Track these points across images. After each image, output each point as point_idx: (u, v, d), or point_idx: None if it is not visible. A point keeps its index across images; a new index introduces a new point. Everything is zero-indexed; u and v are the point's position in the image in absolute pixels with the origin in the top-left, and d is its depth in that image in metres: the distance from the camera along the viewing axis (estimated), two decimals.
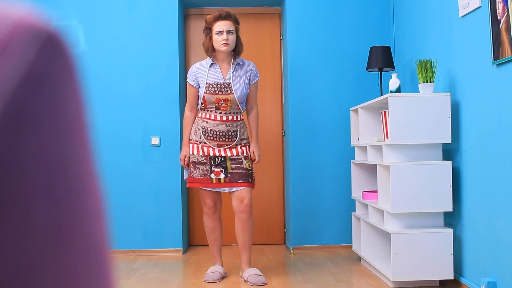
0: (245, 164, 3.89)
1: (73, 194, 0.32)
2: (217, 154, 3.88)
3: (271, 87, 5.59)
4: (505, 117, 3.10)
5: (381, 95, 4.60)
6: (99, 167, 0.36)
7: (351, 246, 5.00)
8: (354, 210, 4.92)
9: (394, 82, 4.04)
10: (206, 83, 3.86)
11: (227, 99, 3.84)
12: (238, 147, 3.91)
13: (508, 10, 3.02)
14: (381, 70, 4.69)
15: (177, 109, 5.17)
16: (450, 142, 3.72)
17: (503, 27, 3.08)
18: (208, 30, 3.91)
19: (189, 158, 3.94)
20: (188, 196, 5.57)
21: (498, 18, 3.13)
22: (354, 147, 4.95)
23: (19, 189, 0.29)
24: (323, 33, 5.24)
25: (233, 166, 3.87)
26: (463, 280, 3.63)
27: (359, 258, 4.68)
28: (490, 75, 3.27)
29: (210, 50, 3.89)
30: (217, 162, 3.88)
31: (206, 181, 3.88)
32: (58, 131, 0.31)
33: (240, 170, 3.87)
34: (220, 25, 3.82)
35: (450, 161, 3.67)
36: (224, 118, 3.88)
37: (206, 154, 3.89)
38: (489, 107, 3.29)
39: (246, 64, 3.97)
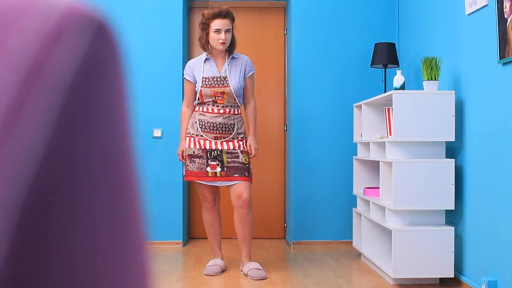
0: (242, 158, 3.86)
1: (122, 188, 0.31)
2: (213, 147, 3.87)
3: (274, 82, 5.58)
4: (510, 116, 3.09)
5: (385, 91, 4.59)
6: (138, 161, 0.35)
7: (351, 242, 5.00)
8: (355, 206, 4.92)
9: (398, 79, 4.03)
10: (203, 77, 3.87)
11: (224, 92, 3.84)
12: (235, 141, 3.89)
13: None
14: (385, 66, 4.67)
15: (179, 101, 5.16)
16: (454, 140, 3.71)
17: (510, 25, 3.06)
18: (206, 25, 3.88)
19: (185, 152, 3.94)
20: (189, 189, 5.57)
21: (505, 16, 3.12)
22: (356, 143, 4.95)
23: (86, 183, 0.29)
24: (327, 28, 5.23)
25: (230, 160, 3.85)
26: (464, 279, 3.63)
27: (359, 254, 4.68)
28: (495, 74, 3.26)
29: (206, 46, 3.91)
30: (213, 155, 3.86)
31: (202, 175, 3.87)
32: (108, 123, 0.31)
33: (237, 164, 3.85)
34: (219, 24, 3.82)
35: (453, 159, 3.66)
36: (222, 111, 3.88)
37: (203, 147, 3.87)
38: (493, 106, 3.28)
39: (241, 58, 3.98)
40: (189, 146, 3.91)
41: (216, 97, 3.86)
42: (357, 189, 4.71)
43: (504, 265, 3.13)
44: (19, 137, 0.27)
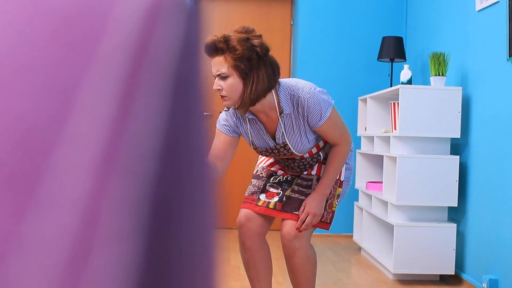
0: (314, 189, 2.47)
1: (208, 179, 0.29)
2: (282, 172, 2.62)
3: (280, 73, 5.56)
4: None
5: (391, 85, 4.56)
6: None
7: (352, 236, 4.99)
8: (357, 200, 4.91)
9: (405, 73, 4.01)
10: (253, 144, 2.48)
11: (291, 155, 2.48)
12: (315, 165, 2.55)
13: None
14: (392, 60, 4.65)
15: None
16: (459, 137, 3.70)
17: None
18: None
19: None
20: None
21: None
22: (360, 136, 4.93)
23: (191, 175, 0.27)
24: (335, 20, 5.20)
25: (297, 188, 2.51)
26: (464, 276, 3.63)
27: (359, 249, 4.67)
28: (504, 72, 3.24)
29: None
30: (279, 180, 2.57)
31: (250, 201, 2.55)
32: (200, 108, 0.28)
33: (303, 197, 2.47)
34: (211, 66, 2.28)
35: (458, 156, 3.64)
36: (297, 157, 2.53)
37: (271, 168, 2.64)
38: (500, 104, 3.26)
39: (295, 105, 2.32)
40: (258, 165, 2.70)
41: (283, 160, 2.59)
42: (360, 183, 4.69)
43: (506, 264, 3.12)
44: (137, 125, 0.24)
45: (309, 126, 2.35)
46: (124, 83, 0.24)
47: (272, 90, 2.29)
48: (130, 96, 0.24)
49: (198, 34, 0.29)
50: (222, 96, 2.26)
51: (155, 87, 0.25)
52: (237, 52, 2.17)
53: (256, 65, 2.21)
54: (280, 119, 2.33)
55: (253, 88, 2.21)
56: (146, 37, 0.25)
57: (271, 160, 2.65)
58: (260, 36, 2.26)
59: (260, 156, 2.73)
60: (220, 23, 5.54)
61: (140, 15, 0.26)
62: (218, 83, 2.23)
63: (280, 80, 2.35)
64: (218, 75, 2.22)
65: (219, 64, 2.20)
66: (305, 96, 2.28)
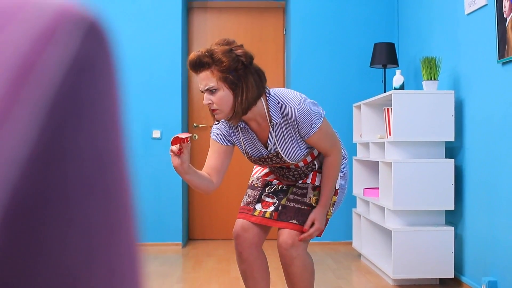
0: (310, 198, 2.50)
1: (114, 188, 0.31)
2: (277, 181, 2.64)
3: (274, 82, 5.57)
4: (509, 116, 3.08)
5: (385, 91, 4.58)
6: (130, 160, 0.35)
7: (351, 243, 4.99)
8: (355, 207, 4.91)
9: (398, 79, 4.03)
10: (247, 153, 2.50)
11: (285, 163, 2.50)
12: (310, 174, 2.57)
13: None
14: (384, 66, 4.67)
15: (178, 102, 5.15)
16: (453, 140, 3.71)
17: (509, 25, 3.06)
18: None
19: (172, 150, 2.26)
20: (189, 190, 5.57)
21: (504, 16, 3.12)
22: (356, 143, 4.94)
23: (78, 183, 0.28)
24: (327, 29, 5.23)
25: (292, 197, 2.51)
26: (464, 279, 3.63)
27: (359, 255, 4.67)
28: (495, 74, 3.26)
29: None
30: (274, 190, 2.57)
31: (246, 211, 2.54)
32: (100, 122, 0.30)
33: (299, 206, 2.48)
34: (199, 81, 2.26)
35: (453, 159, 3.66)
36: (292, 166, 2.55)
37: (266, 178, 2.66)
38: (493, 106, 3.28)
39: (285, 115, 2.34)
40: (253, 175, 2.71)
41: (276, 168, 2.62)
42: (357, 189, 4.70)
43: (504, 265, 3.12)
44: (7, 136, 0.26)
45: (300, 136, 2.38)
46: (0, 100, 0.26)
47: (262, 98, 2.32)
48: (6, 112, 0.26)
49: (100, 53, 0.31)
50: (213, 110, 2.26)
51: (34, 102, 0.27)
52: (223, 64, 2.17)
53: (243, 75, 2.22)
54: (271, 128, 2.36)
55: (244, 98, 2.22)
56: (34, 56, 0.27)
57: (266, 170, 2.67)
58: (242, 46, 2.28)
59: (255, 166, 2.76)
60: (213, 33, 5.56)
61: (33, 35, 0.27)
62: (208, 98, 2.23)
63: (271, 89, 2.38)
64: (207, 89, 2.21)
65: (206, 79, 2.20)
66: (295, 107, 2.30)
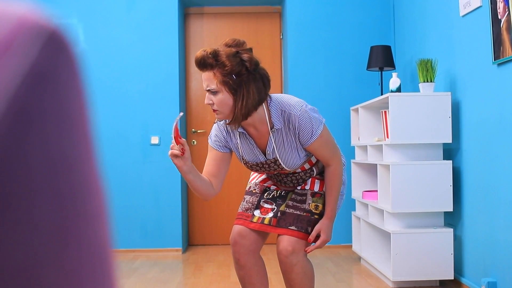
0: (309, 204, 2.47)
1: (77, 193, 0.31)
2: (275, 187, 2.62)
3: (271, 87, 5.58)
4: (506, 116, 3.09)
5: (382, 94, 4.59)
6: (101, 166, 0.35)
7: (351, 246, 4.99)
8: (354, 210, 4.91)
9: (394, 81, 4.03)
10: (243, 159, 2.46)
11: (283, 171, 2.49)
12: (309, 180, 2.56)
13: (509, 10, 3.01)
14: (381, 69, 4.68)
15: (176, 107, 5.16)
16: (451, 142, 3.71)
17: (504, 26, 3.07)
18: None
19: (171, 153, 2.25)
20: (188, 196, 5.57)
21: (499, 17, 3.12)
22: (354, 146, 4.95)
23: (23, 188, 0.29)
24: (323, 33, 5.24)
25: (291, 203, 2.49)
26: (464, 280, 3.62)
27: (359, 258, 4.67)
28: (490, 75, 3.26)
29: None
30: (273, 196, 2.55)
31: (244, 217, 2.51)
32: (61, 130, 0.31)
33: (298, 212, 2.45)
34: (203, 80, 2.25)
35: (451, 161, 3.66)
36: (288, 173, 2.54)
37: (264, 184, 2.64)
38: (489, 107, 3.28)
39: (286, 121, 2.33)
40: (251, 181, 2.68)
41: (274, 175, 2.59)
42: (356, 192, 4.70)
43: (503, 266, 3.12)
44: None
45: (300, 143, 2.36)
46: None
47: (263, 104, 2.30)
48: None
49: (60, 62, 0.31)
50: (214, 110, 2.25)
51: None
52: (226, 68, 2.15)
53: (246, 80, 2.20)
54: (271, 133, 2.33)
55: (243, 103, 2.20)
56: None
57: (264, 176, 2.65)
58: (250, 49, 2.27)
59: (252, 172, 2.73)
60: (210, 39, 5.58)
61: None
62: (209, 98, 2.23)
63: (272, 95, 2.36)
64: (208, 90, 2.21)
65: (208, 80, 2.20)
66: (296, 113, 2.28)
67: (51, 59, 0.30)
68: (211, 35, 5.59)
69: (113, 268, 0.34)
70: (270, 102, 2.32)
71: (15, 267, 0.28)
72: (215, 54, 2.17)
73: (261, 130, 2.35)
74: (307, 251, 2.39)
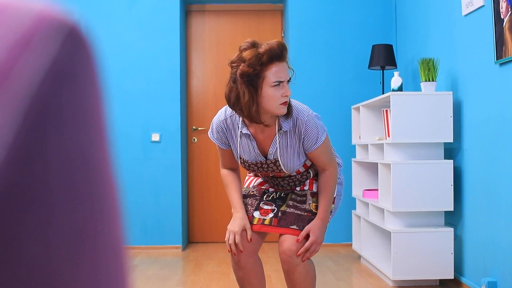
0: (309, 204, 2.48)
1: (94, 191, 0.31)
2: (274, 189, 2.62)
3: None
4: (507, 116, 3.09)
5: (383, 93, 4.59)
6: (116, 164, 0.35)
7: (351, 245, 4.99)
8: (355, 209, 4.91)
9: (396, 80, 4.03)
10: (241, 159, 2.46)
11: (280, 173, 2.49)
12: (307, 181, 2.58)
13: (511, 9, 3.01)
14: (383, 68, 4.68)
15: (177, 105, 5.16)
16: (452, 141, 3.71)
17: (507, 26, 3.06)
18: (255, 77, 2.19)
19: (234, 239, 2.38)
20: (188, 193, 5.57)
21: (502, 17, 3.12)
22: (355, 145, 4.95)
23: (44, 186, 0.29)
24: (325, 31, 5.23)
25: (291, 203, 2.49)
26: (464, 280, 3.62)
27: (359, 257, 4.67)
28: (492, 74, 3.26)
29: (254, 112, 2.23)
30: (272, 197, 2.55)
31: None
32: (80, 128, 0.30)
33: (298, 212, 2.45)
34: (279, 71, 2.20)
35: (452, 160, 3.66)
36: (284, 176, 2.56)
37: (262, 187, 2.63)
38: (491, 107, 3.28)
39: (293, 125, 2.34)
40: (247, 186, 2.67)
41: (269, 177, 2.59)
42: (356, 191, 4.70)
43: (504, 266, 3.12)
44: None
45: (303, 148, 2.38)
46: None
47: None
48: None
49: (79, 58, 0.31)
50: (285, 103, 2.25)
51: (8, 108, 0.27)
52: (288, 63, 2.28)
53: None
54: (277, 134, 2.33)
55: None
56: (10, 62, 0.28)
57: (260, 179, 2.65)
58: None
59: (246, 177, 2.73)
60: (211, 36, 5.57)
61: (10, 42, 0.28)
62: (288, 89, 2.24)
63: None
64: (289, 80, 2.25)
65: (286, 70, 2.24)
66: (304, 118, 2.31)
67: (71, 56, 0.30)
68: (212, 32, 5.58)
69: (126, 266, 0.34)
70: None
71: (35, 266, 0.28)
72: (284, 47, 2.24)
73: (266, 131, 2.36)
74: (298, 254, 2.35)
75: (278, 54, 2.19)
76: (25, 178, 0.28)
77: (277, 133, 2.33)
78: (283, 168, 2.40)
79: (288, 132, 2.34)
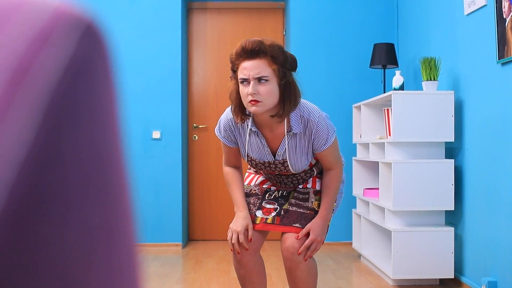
0: (312, 202, 2.47)
1: (108, 190, 0.31)
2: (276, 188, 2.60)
3: None
4: (509, 116, 3.08)
5: (384, 92, 4.59)
6: (129, 162, 0.35)
7: (351, 243, 4.99)
8: (355, 207, 4.91)
9: (397, 79, 4.03)
10: (248, 157, 2.44)
11: (285, 172, 2.48)
12: (310, 179, 2.55)
13: None
14: (384, 67, 4.67)
15: (178, 103, 5.15)
16: (453, 141, 3.71)
17: (509, 26, 3.06)
18: (234, 73, 2.29)
19: (237, 238, 2.38)
20: (188, 191, 5.56)
21: (504, 16, 3.12)
22: (356, 144, 4.94)
23: (60, 184, 0.28)
24: (326, 29, 5.23)
25: (294, 201, 2.48)
26: (464, 279, 3.62)
27: (359, 256, 4.67)
28: (494, 74, 3.26)
29: (237, 109, 2.30)
30: (274, 196, 2.53)
31: None
32: (95, 125, 0.30)
33: (301, 210, 2.44)
34: (245, 68, 2.19)
35: (453, 160, 3.66)
36: (288, 174, 2.53)
37: (263, 186, 2.60)
38: (492, 106, 3.28)
39: (304, 126, 2.31)
40: (249, 184, 2.63)
41: (275, 175, 2.56)
42: (357, 190, 4.70)
43: (504, 266, 3.12)
44: (2, 138, 0.27)
45: (312, 149, 2.36)
46: None
47: None
48: (1, 113, 0.26)
49: (96, 54, 0.31)
50: (255, 101, 2.18)
51: (29, 104, 0.27)
52: (280, 60, 2.17)
53: (290, 77, 2.23)
54: (286, 136, 2.31)
55: (292, 100, 2.22)
56: (30, 58, 0.27)
57: (261, 177, 2.63)
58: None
59: (247, 173, 2.71)
60: (213, 34, 5.57)
61: (29, 37, 0.28)
62: (255, 87, 2.16)
63: None
64: (258, 78, 2.17)
65: (259, 67, 2.16)
66: (315, 119, 2.28)
67: (88, 52, 0.30)
68: (214, 30, 5.58)
69: (139, 265, 0.34)
70: None
71: (52, 266, 0.28)
72: (269, 43, 2.18)
73: (276, 132, 2.33)
74: (298, 253, 2.35)
75: (247, 51, 2.17)
76: (45, 177, 0.28)
77: (286, 134, 2.31)
78: (291, 168, 2.39)
79: (297, 134, 2.31)
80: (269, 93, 2.18)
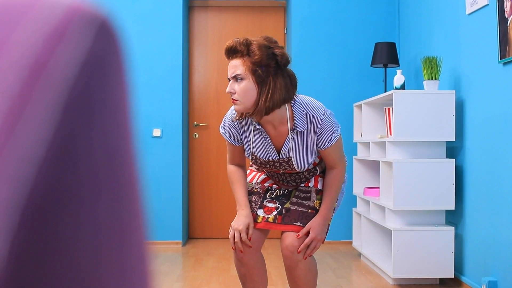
0: (313, 201, 2.46)
1: (121, 189, 0.31)
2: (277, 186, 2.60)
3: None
4: (510, 116, 3.08)
5: (385, 91, 4.58)
6: (141, 160, 0.35)
7: (351, 242, 4.99)
8: (355, 206, 4.91)
9: (399, 78, 4.03)
10: (253, 155, 2.45)
11: (289, 170, 2.48)
12: (312, 178, 2.55)
13: None
14: (385, 66, 4.67)
15: (179, 100, 5.15)
16: (454, 140, 3.71)
17: (511, 25, 3.06)
18: None
19: (240, 237, 2.37)
20: (189, 189, 5.57)
21: (506, 16, 3.11)
22: (356, 143, 4.94)
23: (75, 183, 0.28)
24: (328, 28, 5.22)
25: (295, 200, 2.48)
26: (464, 279, 3.63)
27: (359, 255, 4.67)
28: (496, 74, 3.26)
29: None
30: (276, 195, 2.53)
31: None
32: (108, 122, 0.30)
33: (302, 209, 2.44)
34: (229, 67, 2.25)
35: (454, 159, 3.66)
36: (292, 173, 2.53)
37: (265, 184, 2.61)
38: (494, 106, 3.28)
39: (308, 124, 2.31)
40: (250, 182, 2.63)
41: (280, 173, 2.55)
42: (357, 189, 4.70)
43: (504, 265, 3.13)
44: (21, 136, 0.26)
45: (316, 146, 2.36)
46: (14, 100, 0.26)
47: (287, 104, 2.29)
48: (19, 111, 0.26)
49: (111, 51, 0.31)
50: (233, 100, 2.22)
51: (47, 102, 0.27)
52: (256, 57, 2.17)
53: (274, 73, 2.20)
54: (290, 134, 2.31)
55: (269, 96, 2.19)
56: (46, 54, 0.27)
57: (263, 175, 2.63)
58: (282, 47, 2.28)
59: (248, 171, 2.69)
60: (214, 32, 5.56)
61: (44, 34, 0.28)
62: (231, 86, 2.21)
63: (298, 96, 2.34)
64: (234, 77, 2.20)
65: (235, 66, 2.20)
66: (320, 116, 2.28)
67: (103, 49, 0.30)
68: (215, 28, 5.58)
69: (150, 265, 0.34)
70: (294, 103, 2.30)
71: (67, 266, 0.28)
72: (247, 42, 2.19)
73: (279, 130, 2.33)
74: (298, 251, 2.35)
75: (227, 50, 2.22)
76: (62, 176, 0.27)
77: (290, 132, 2.31)
78: (295, 166, 2.39)
79: (302, 132, 2.31)
80: (243, 91, 2.19)
